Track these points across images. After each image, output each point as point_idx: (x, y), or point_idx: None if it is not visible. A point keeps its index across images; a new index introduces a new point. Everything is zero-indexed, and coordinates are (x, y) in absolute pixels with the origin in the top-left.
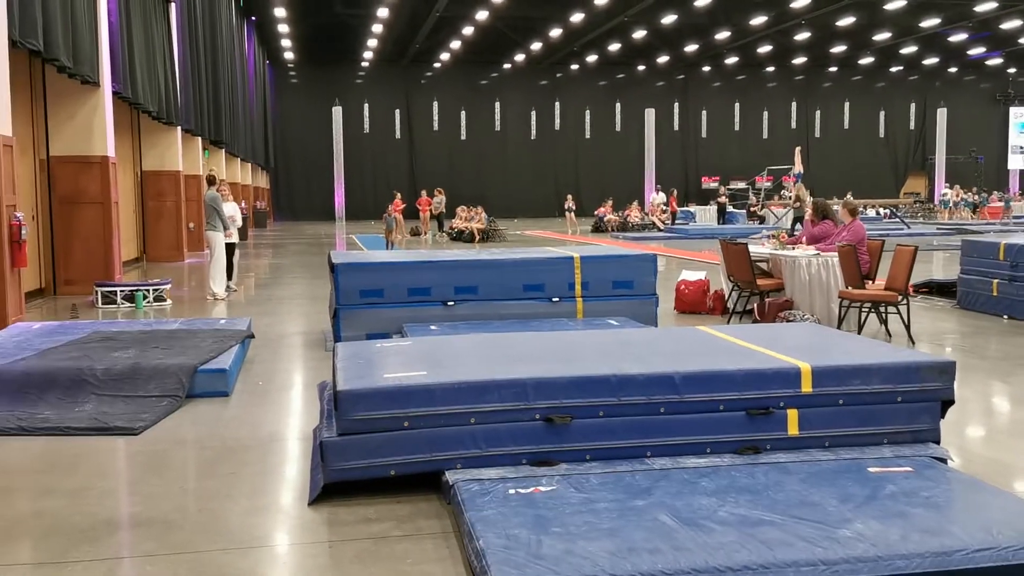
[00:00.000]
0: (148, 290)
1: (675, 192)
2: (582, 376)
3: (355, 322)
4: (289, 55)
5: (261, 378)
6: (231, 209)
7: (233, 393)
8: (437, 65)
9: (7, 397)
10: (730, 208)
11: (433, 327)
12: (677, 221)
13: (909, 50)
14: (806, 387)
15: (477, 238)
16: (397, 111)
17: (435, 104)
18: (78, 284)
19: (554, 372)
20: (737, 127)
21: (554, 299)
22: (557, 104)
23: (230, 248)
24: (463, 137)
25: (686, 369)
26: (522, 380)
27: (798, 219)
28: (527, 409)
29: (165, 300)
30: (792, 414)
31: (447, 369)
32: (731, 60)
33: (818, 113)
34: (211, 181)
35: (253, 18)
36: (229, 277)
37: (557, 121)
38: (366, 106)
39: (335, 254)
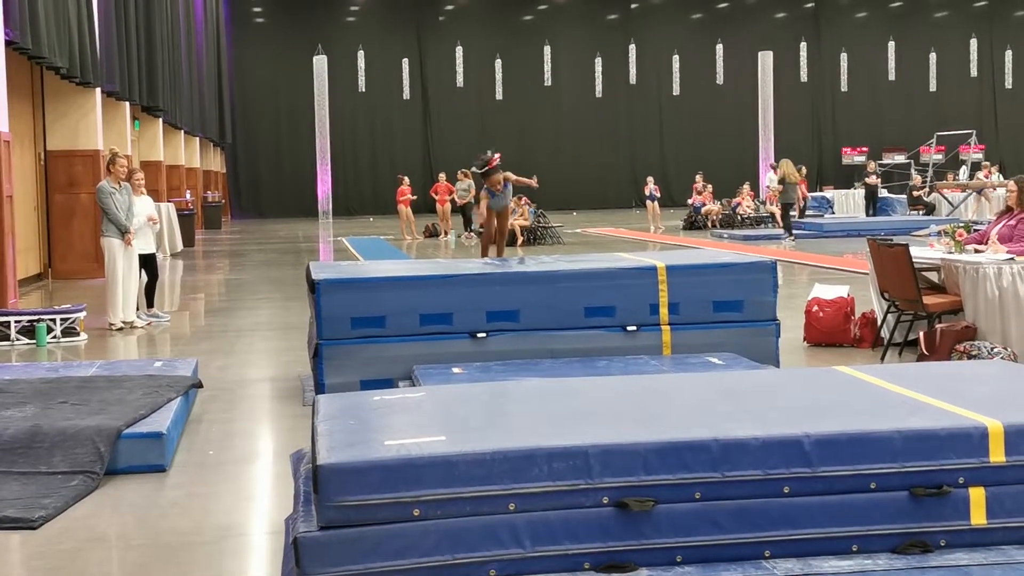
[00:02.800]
0: (55, 320)
1: (804, 171)
2: (670, 442)
3: (345, 363)
4: None
5: (212, 446)
6: (146, 206)
7: (173, 467)
8: None
9: None
10: (883, 192)
11: (456, 370)
12: (808, 212)
13: None
14: (997, 455)
15: (520, 240)
16: (405, 61)
17: (459, 51)
18: None
19: (629, 436)
20: (892, 76)
21: (629, 328)
22: (632, 48)
23: (148, 261)
24: (499, 97)
25: (821, 430)
26: (583, 448)
27: (787, 208)
28: (590, 490)
29: (78, 334)
30: (977, 495)
31: (476, 432)
32: None
33: (1009, 54)
34: (109, 165)
35: None
36: (150, 304)
37: (632, 72)
38: (361, 54)
39: (316, 266)
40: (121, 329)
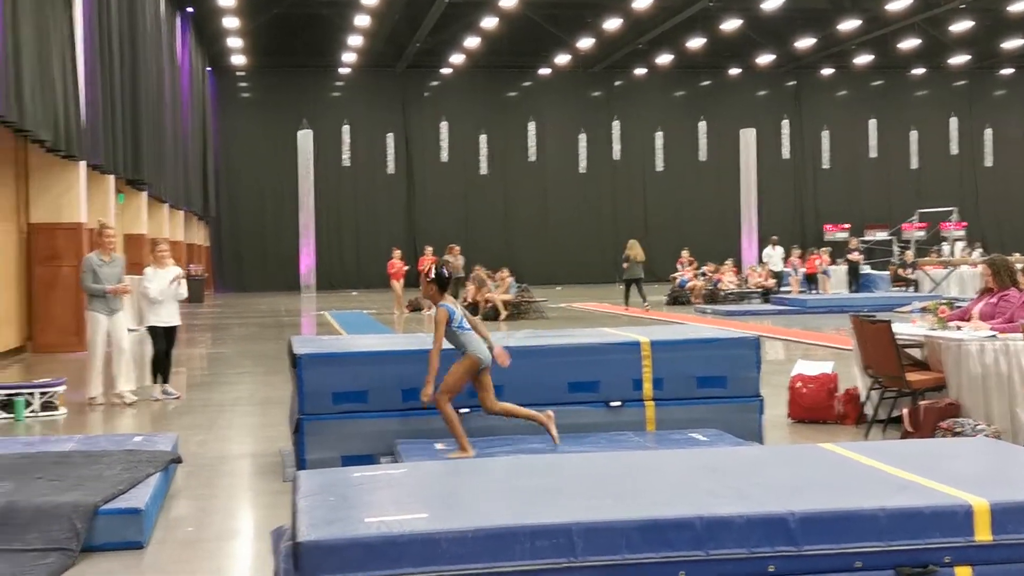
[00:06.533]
0: (33, 394)
1: (777, 250)
2: (653, 519)
3: (326, 439)
4: (239, 59)
5: (191, 522)
6: (158, 278)
7: (150, 544)
8: (446, 71)
9: None
10: (866, 268)
11: (439, 446)
12: (784, 287)
13: None
14: (982, 534)
15: (503, 314)
16: (390, 135)
17: (444, 125)
18: None
19: (612, 513)
20: (873, 153)
21: (613, 403)
22: (616, 124)
23: (169, 333)
24: (483, 171)
25: (806, 508)
26: (566, 526)
27: (635, 283)
28: (573, 568)
29: (57, 408)
30: (963, 574)
31: (458, 509)
32: (863, 59)
33: (988, 132)
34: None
35: (189, 9)
36: (165, 379)
37: (616, 148)
38: (346, 128)
39: (298, 340)
40: (101, 404)
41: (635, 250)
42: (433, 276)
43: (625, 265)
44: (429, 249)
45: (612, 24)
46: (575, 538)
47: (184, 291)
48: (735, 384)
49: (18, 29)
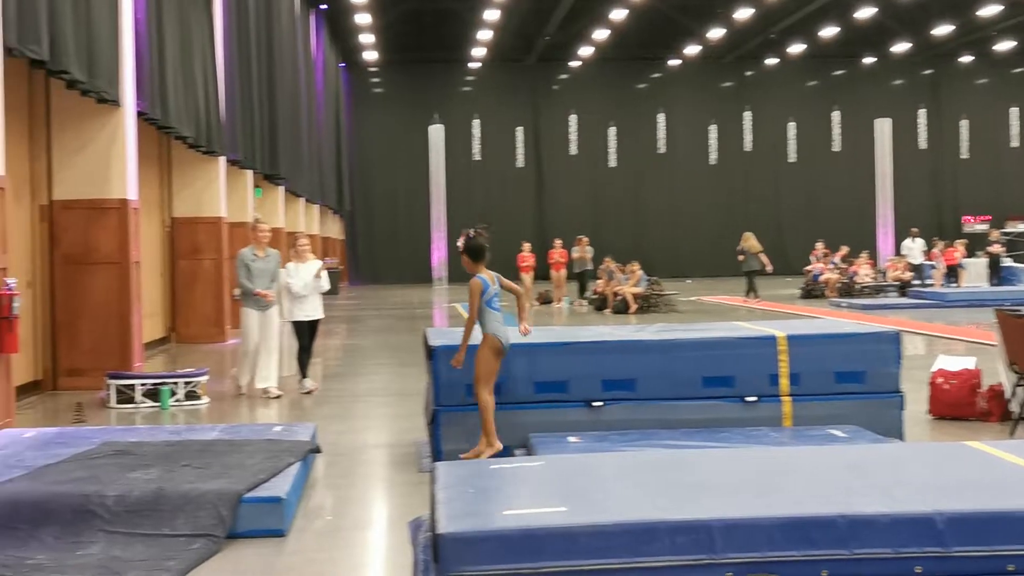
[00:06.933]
0: (177, 383)
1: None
2: (794, 517)
3: (461, 430)
4: (371, 55)
5: (330, 511)
6: (300, 273)
7: (291, 532)
8: (575, 64)
9: None
10: (1007, 261)
11: (572, 439)
12: (927, 282)
13: None
14: None
15: (633, 307)
16: (519, 129)
17: (573, 118)
18: (85, 375)
19: (752, 510)
20: (1015, 143)
21: (749, 398)
22: (747, 115)
23: (312, 327)
24: (612, 164)
25: (953, 508)
26: (705, 522)
27: (750, 276)
28: (714, 564)
29: (200, 398)
30: None
31: (596, 504)
32: (1003, 46)
33: None
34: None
35: (323, 6)
36: (304, 373)
37: (747, 139)
38: (476, 123)
39: (433, 332)
40: (244, 394)
41: (750, 242)
42: (463, 248)
43: (741, 258)
44: (558, 242)
45: (743, 13)
46: (715, 534)
47: (326, 284)
48: (874, 379)
49: (162, 30)
